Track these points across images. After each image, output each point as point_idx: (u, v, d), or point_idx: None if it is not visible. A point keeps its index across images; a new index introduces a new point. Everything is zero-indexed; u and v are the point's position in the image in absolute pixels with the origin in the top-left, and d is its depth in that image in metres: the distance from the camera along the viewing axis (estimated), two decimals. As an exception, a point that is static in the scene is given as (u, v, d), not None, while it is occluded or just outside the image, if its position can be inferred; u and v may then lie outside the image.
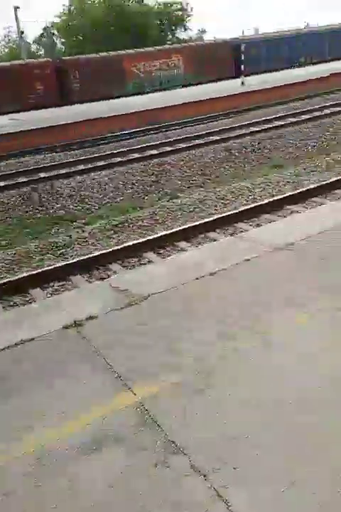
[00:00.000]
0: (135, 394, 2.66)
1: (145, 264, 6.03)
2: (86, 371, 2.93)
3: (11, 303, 5.37)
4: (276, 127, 13.41)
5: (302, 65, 30.51)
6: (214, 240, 6.13)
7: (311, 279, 3.76)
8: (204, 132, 14.16)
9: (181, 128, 16.34)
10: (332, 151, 10.60)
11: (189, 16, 50.43)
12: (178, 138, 13.89)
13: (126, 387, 2.72)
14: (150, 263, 5.64)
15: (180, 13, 50.41)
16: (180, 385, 2.68)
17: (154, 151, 12.51)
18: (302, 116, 14.64)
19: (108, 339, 3.29)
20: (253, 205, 7.30)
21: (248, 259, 4.30)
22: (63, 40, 47.82)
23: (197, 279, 4.04)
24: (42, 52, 49.09)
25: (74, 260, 6.25)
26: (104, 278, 5.79)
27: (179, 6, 50.15)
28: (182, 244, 6.51)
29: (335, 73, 22.29)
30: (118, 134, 16.14)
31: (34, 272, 5.95)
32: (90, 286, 4.89)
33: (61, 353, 3.20)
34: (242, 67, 23.88)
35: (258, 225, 6.76)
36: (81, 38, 44.23)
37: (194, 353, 2.97)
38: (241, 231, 6.48)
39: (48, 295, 5.54)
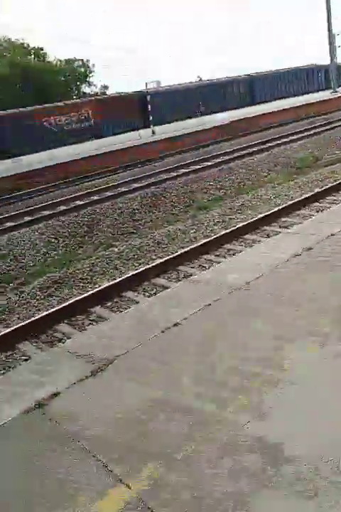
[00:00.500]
0: (130, 488, 2.18)
1: (95, 320, 5.57)
2: (65, 465, 2.41)
3: None
4: (195, 171, 13.64)
5: (202, 114, 31.83)
6: (165, 287, 5.83)
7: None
8: (130, 178, 14.09)
9: (103, 177, 16.11)
10: (249, 189, 10.92)
11: (92, 71, 51.10)
12: (106, 186, 13.61)
13: (118, 480, 2.23)
14: (105, 320, 5.16)
15: (82, 69, 50.92)
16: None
17: (81, 202, 12.09)
18: (215, 160, 15.11)
19: (80, 420, 2.75)
20: (193, 246, 7.15)
21: (208, 304, 4.03)
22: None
23: (162, 332, 3.68)
24: None
25: (18, 326, 5.60)
26: (54, 342, 5.26)
27: (80, 63, 50.73)
28: (129, 294, 6.14)
29: (234, 121, 23.51)
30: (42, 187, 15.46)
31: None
32: (44, 356, 4.26)
33: (29, 444, 2.63)
34: (150, 117, 24.35)
35: (200, 266, 6.63)
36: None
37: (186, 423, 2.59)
38: (190, 275, 6.28)
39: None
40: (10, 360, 5.01)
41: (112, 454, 2.41)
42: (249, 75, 35.12)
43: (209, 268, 6.09)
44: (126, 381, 3.08)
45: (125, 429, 2.60)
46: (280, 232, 6.85)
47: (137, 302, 5.65)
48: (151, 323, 3.88)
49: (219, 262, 6.12)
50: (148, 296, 5.95)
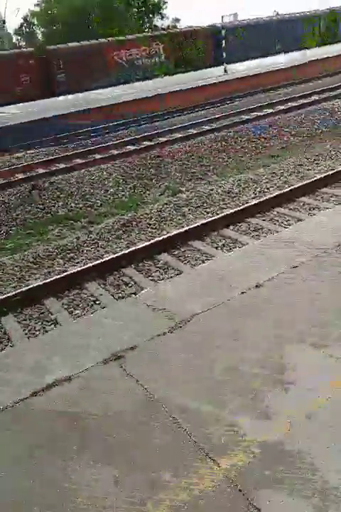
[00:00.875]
0: (219, 466, 2.06)
1: (162, 267, 5.52)
2: (145, 427, 2.35)
3: (28, 320, 4.81)
4: (268, 115, 12.89)
5: (279, 53, 29.77)
6: (234, 239, 5.62)
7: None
8: (200, 120, 13.61)
9: (170, 118, 15.71)
10: (328, 137, 10.15)
11: (165, 2, 48.99)
12: (174, 127, 13.25)
13: (204, 455, 2.12)
14: (179, 273, 5.03)
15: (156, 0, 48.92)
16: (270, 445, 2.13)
17: (150, 143, 11.89)
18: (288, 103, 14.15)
19: (161, 378, 2.68)
20: (266, 198, 6.81)
21: (295, 266, 3.75)
22: (43, 29, 45.98)
23: (243, 293, 3.47)
24: (23, 43, 47.12)
25: (88, 265, 5.68)
26: (121, 285, 5.29)
27: (155, -6, 48.66)
28: (197, 243, 6.00)
29: (312, 60, 21.79)
30: (111, 125, 15.36)
31: (48, 280, 5.37)
32: (119, 305, 4.17)
33: (108, 399, 2.63)
34: (224, 54, 23.09)
35: (272, 220, 6.32)
36: (60, 26, 42.53)
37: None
38: (261, 229, 6.03)
39: (64, 307, 4.99)
40: (78, 299, 5.11)
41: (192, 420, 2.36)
42: (333, 8, 32.17)
43: (287, 224, 5.79)
44: (206, 342, 2.96)
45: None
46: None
47: (206, 254, 5.52)
48: (230, 282, 3.66)
49: (299, 219, 5.79)
50: (216, 248, 5.80)
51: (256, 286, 3.45)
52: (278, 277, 3.54)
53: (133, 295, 4.11)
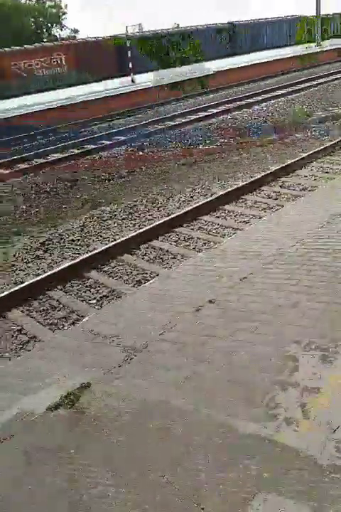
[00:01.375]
0: None
1: (92, 286, 5.20)
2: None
3: None
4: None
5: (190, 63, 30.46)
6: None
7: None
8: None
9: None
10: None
11: (64, 13, 48.48)
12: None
13: None
14: (121, 295, 4.69)
15: (54, 10, 48.19)
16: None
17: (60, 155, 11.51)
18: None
19: (120, 420, 2.43)
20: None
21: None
22: None
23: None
24: None
25: (10, 291, 5.14)
26: (48, 310, 4.87)
27: (53, 4, 47.97)
28: (125, 256, 5.78)
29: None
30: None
31: None
32: (58, 338, 3.74)
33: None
34: (130, 64, 23.18)
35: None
36: None
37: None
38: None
39: None
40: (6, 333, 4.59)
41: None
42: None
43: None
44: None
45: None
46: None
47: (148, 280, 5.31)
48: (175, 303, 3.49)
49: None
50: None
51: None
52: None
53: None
